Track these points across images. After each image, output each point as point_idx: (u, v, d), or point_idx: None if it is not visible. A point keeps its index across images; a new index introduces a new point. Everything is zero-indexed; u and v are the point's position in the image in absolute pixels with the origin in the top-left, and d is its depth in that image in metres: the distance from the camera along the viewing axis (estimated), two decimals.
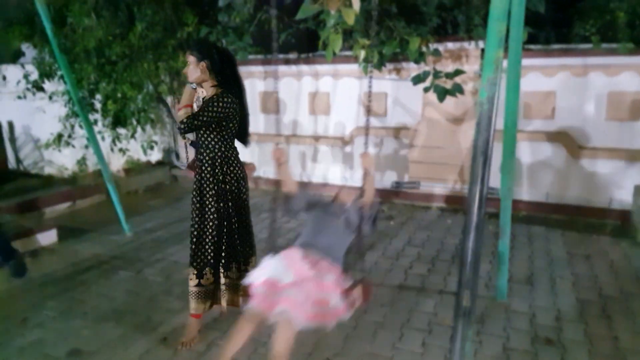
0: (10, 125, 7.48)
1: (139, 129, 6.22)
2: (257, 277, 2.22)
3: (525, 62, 4.67)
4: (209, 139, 2.65)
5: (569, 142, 4.74)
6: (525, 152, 4.91)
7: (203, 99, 2.70)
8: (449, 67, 4.91)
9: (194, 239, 2.71)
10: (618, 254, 3.88)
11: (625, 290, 3.26)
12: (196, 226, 2.70)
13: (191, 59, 2.58)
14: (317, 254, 2.32)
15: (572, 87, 4.70)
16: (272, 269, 2.25)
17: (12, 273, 3.51)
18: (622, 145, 4.60)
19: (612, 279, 3.44)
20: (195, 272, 2.70)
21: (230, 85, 2.64)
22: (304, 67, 5.78)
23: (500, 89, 1.72)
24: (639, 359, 2.53)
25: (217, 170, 2.67)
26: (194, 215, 2.71)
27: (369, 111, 2.56)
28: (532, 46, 4.71)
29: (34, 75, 5.98)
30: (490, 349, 2.62)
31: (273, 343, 2.05)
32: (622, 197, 4.58)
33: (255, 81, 6.12)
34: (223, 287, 2.75)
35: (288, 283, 2.13)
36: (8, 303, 3.28)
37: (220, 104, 2.54)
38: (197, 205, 2.69)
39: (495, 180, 2.96)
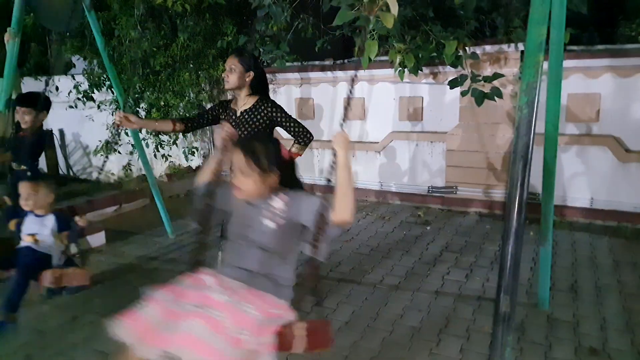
0: (61, 133, 7.92)
1: (180, 136, 6.45)
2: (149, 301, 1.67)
3: (568, 63, 4.55)
4: None
5: (615, 145, 4.57)
6: (569, 156, 4.77)
7: (231, 109, 2.84)
8: (487, 70, 4.84)
9: None
10: None
11: None
12: None
13: (239, 67, 2.72)
14: (242, 282, 1.75)
15: (617, 89, 4.54)
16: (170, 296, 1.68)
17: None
18: None
19: None
20: None
21: (263, 94, 2.83)
22: (340, 73, 5.83)
23: (541, 92, 1.71)
24: None
25: None
26: None
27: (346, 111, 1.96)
28: (574, 47, 4.58)
29: (84, 86, 6.32)
30: (531, 357, 2.57)
31: None
32: None
33: (291, 88, 6.22)
34: None
35: (190, 311, 1.56)
36: (58, 302, 3.47)
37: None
38: None
39: (536, 185, 2.91)
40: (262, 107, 2.75)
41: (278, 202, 1.81)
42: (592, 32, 4.69)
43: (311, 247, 1.70)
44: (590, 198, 4.76)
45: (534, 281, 3.41)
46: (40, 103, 3.37)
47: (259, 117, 2.75)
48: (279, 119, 2.76)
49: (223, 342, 1.48)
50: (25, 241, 2.89)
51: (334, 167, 1.71)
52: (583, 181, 4.76)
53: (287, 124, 2.77)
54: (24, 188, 2.89)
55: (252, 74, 2.75)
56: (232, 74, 2.73)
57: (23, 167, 3.39)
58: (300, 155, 2.83)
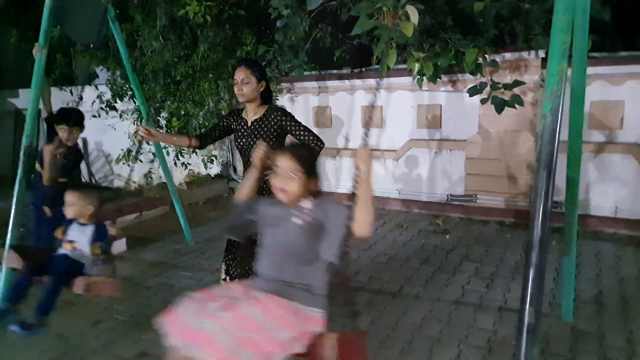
0: (84, 142, 8.09)
1: None
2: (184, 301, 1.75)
3: (591, 70, 4.46)
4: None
5: None
6: (592, 164, 4.68)
7: (242, 118, 2.84)
8: (506, 78, 4.80)
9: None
10: None
11: None
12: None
13: (252, 78, 2.69)
14: (277, 293, 1.78)
15: None
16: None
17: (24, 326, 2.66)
18: None
19: None
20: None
21: (271, 101, 2.84)
22: (357, 82, 5.84)
23: (565, 100, 1.68)
24: None
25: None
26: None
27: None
28: (597, 54, 4.51)
29: (107, 96, 6.46)
30: None
31: None
32: None
33: (309, 96, 6.26)
34: None
35: (219, 311, 1.64)
36: (82, 307, 3.53)
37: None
38: None
39: (560, 193, 2.86)
40: (273, 116, 2.72)
41: (307, 203, 1.93)
42: (614, 38, 4.60)
43: (332, 251, 1.79)
44: (614, 207, 4.65)
45: (556, 292, 3.34)
46: (81, 120, 3.56)
47: (269, 125, 2.73)
48: (289, 127, 2.70)
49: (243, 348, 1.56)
50: (64, 249, 2.89)
51: (357, 181, 1.78)
52: (607, 190, 4.66)
53: (297, 131, 2.70)
54: (70, 197, 2.90)
55: (264, 83, 2.74)
56: (247, 86, 2.69)
57: (63, 179, 3.52)
58: None
